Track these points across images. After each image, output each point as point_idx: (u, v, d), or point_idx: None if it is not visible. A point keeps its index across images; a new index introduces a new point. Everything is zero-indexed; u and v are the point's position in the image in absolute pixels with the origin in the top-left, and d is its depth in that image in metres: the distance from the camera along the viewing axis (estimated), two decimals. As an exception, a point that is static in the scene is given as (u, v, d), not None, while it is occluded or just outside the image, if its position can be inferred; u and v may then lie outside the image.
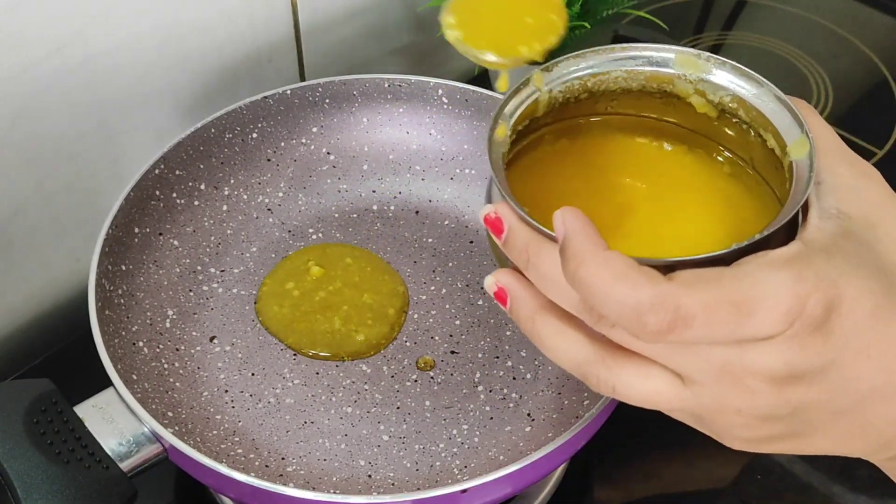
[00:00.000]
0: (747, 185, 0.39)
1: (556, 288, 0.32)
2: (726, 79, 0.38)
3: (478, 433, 0.51)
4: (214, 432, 0.50)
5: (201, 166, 0.59)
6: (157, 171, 0.56)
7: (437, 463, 0.50)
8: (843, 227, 0.32)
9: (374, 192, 0.63)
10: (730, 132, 0.39)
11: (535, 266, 0.33)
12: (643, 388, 0.32)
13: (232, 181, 0.61)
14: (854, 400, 0.31)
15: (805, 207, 0.33)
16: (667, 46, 0.39)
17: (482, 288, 0.58)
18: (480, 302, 0.58)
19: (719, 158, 0.40)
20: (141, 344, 0.52)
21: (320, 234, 0.61)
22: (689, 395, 0.32)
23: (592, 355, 0.32)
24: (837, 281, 0.30)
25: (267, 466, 0.49)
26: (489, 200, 0.37)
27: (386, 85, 0.62)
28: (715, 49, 0.89)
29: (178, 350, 0.54)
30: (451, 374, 0.54)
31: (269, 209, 0.62)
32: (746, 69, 0.37)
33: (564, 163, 0.40)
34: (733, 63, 0.38)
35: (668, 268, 0.30)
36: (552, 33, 0.38)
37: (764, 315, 0.29)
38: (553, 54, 0.39)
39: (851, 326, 0.30)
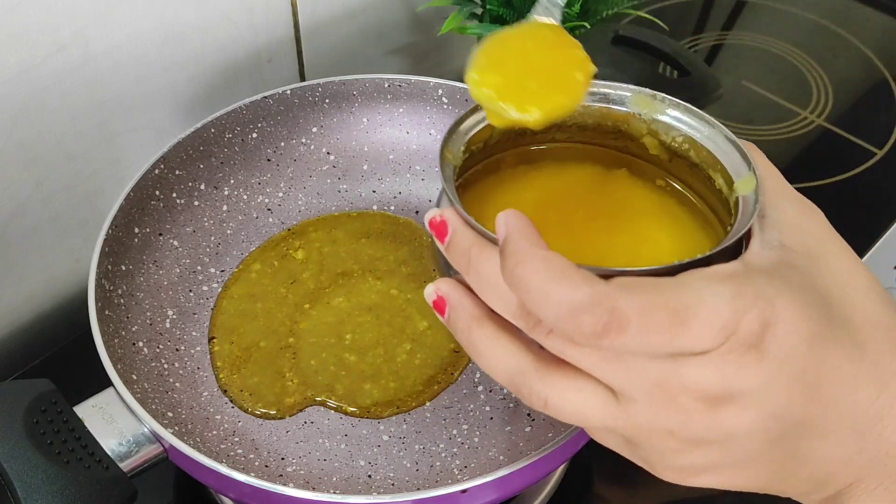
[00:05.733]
0: (696, 216, 0.39)
1: (496, 292, 0.32)
2: (679, 119, 0.39)
3: (478, 433, 0.51)
4: (214, 432, 0.50)
5: (201, 166, 0.59)
6: (157, 171, 0.56)
7: (437, 463, 0.50)
8: (785, 258, 0.32)
9: (374, 192, 0.63)
10: (681, 168, 0.40)
11: (476, 269, 0.32)
12: (575, 401, 0.31)
13: (232, 181, 0.61)
14: (787, 429, 0.31)
15: (748, 238, 0.33)
16: (624, 85, 0.39)
17: (482, 288, 0.58)
18: (480, 302, 0.58)
19: (670, 190, 0.41)
20: (141, 344, 0.52)
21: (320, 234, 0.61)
22: (622, 412, 0.31)
23: (527, 366, 0.32)
24: (775, 301, 0.29)
25: (267, 466, 0.49)
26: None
27: (386, 85, 0.62)
28: (715, 49, 0.89)
29: (178, 350, 0.54)
30: (452, 374, 0.54)
31: (269, 209, 0.62)
32: (699, 111, 0.38)
33: (521, 187, 0.41)
34: (687, 105, 0.38)
35: (608, 277, 0.30)
36: (578, 90, 0.38)
37: (700, 327, 0.29)
38: None
39: (787, 349, 0.29)
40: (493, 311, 0.33)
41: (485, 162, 0.40)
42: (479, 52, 0.37)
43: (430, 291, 0.34)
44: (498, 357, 0.33)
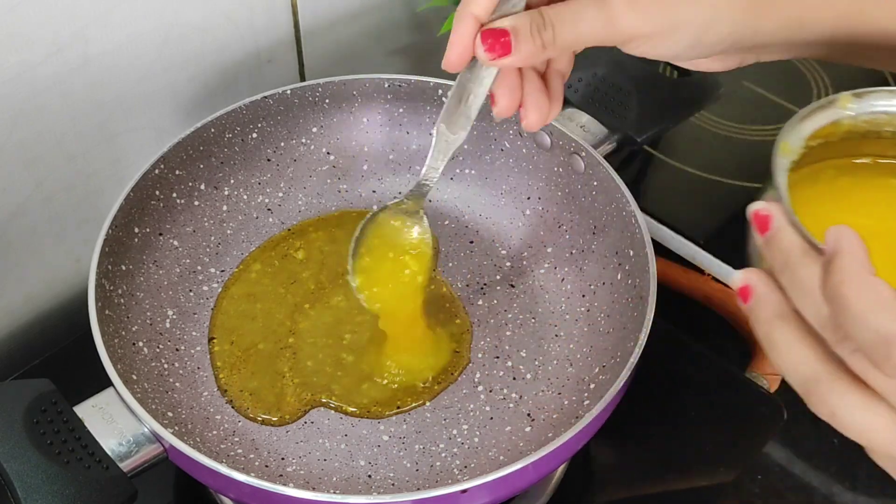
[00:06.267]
0: None
1: (807, 298, 0.32)
2: None
3: (478, 433, 0.51)
4: (214, 432, 0.50)
5: (201, 166, 0.59)
6: (157, 171, 0.56)
7: (437, 463, 0.50)
8: None
9: (374, 192, 0.63)
10: None
11: (793, 271, 0.32)
12: (864, 420, 0.31)
13: (232, 181, 0.61)
14: None
15: None
16: None
17: (482, 288, 0.58)
18: (480, 302, 0.58)
19: None
20: (141, 344, 0.52)
21: (321, 234, 0.61)
22: None
23: (823, 374, 0.32)
24: None
25: (267, 466, 0.49)
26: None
27: (386, 85, 0.62)
28: (715, 49, 0.89)
29: (178, 350, 0.54)
30: (452, 374, 0.54)
31: (269, 209, 0.62)
32: None
33: (840, 200, 0.40)
34: None
35: None
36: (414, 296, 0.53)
37: None
38: None
39: None
40: (797, 311, 0.33)
41: (806, 169, 0.39)
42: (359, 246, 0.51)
43: (739, 278, 0.34)
44: (794, 358, 0.33)
